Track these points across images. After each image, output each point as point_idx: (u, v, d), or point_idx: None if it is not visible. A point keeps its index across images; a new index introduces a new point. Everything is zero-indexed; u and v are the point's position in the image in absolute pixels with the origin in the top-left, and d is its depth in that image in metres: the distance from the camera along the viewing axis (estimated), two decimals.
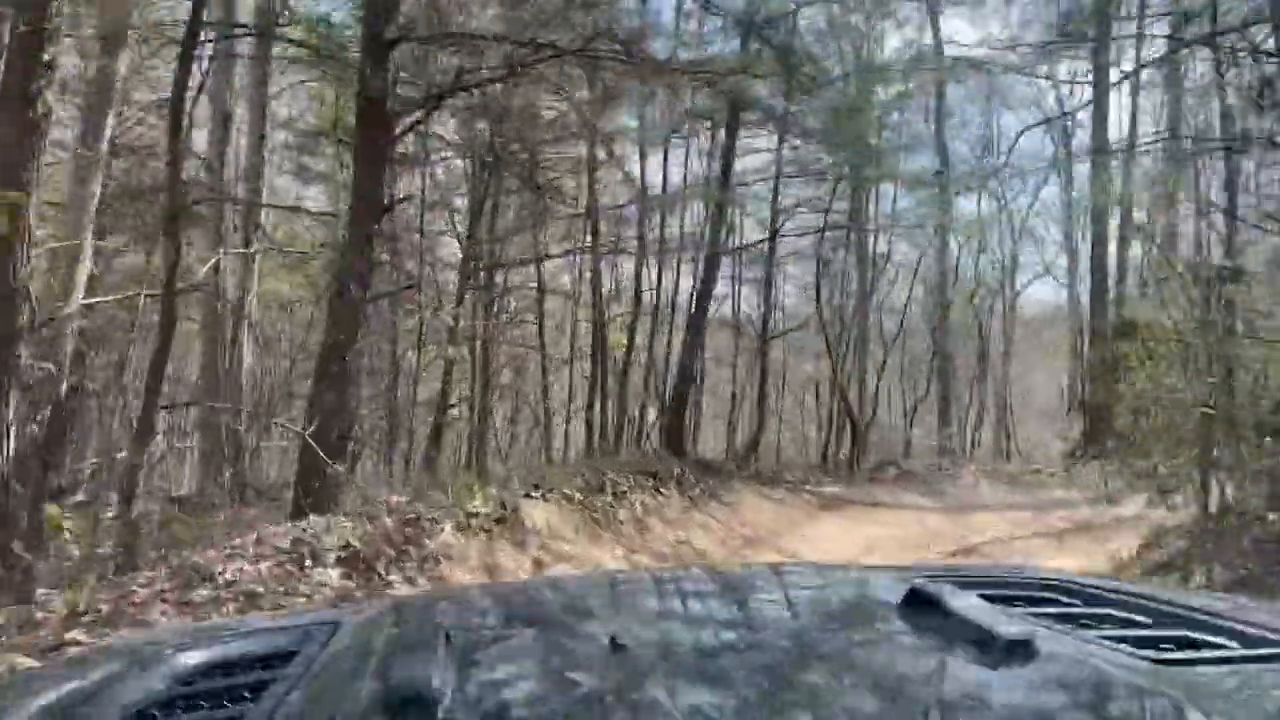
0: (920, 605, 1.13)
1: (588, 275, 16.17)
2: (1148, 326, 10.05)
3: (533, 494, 8.95)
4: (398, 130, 9.25)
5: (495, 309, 15.25)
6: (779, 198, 18.59)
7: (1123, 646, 1.00)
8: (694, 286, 16.97)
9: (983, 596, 1.15)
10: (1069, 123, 23.41)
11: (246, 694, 1.01)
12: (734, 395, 19.51)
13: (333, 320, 8.65)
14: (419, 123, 10.50)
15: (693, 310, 16.81)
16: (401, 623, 1.18)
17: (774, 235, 18.60)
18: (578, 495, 9.56)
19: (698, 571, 1.57)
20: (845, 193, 20.00)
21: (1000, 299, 25.94)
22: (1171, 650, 1.01)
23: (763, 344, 18.81)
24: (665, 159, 17.23)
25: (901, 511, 14.45)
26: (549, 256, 16.13)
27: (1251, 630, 1.06)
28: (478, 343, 13.80)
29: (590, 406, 15.21)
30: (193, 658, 1.17)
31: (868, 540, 11.22)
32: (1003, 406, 25.38)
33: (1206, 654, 1.01)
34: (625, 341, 16.16)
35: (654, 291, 17.07)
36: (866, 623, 1.18)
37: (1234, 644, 1.03)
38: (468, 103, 11.60)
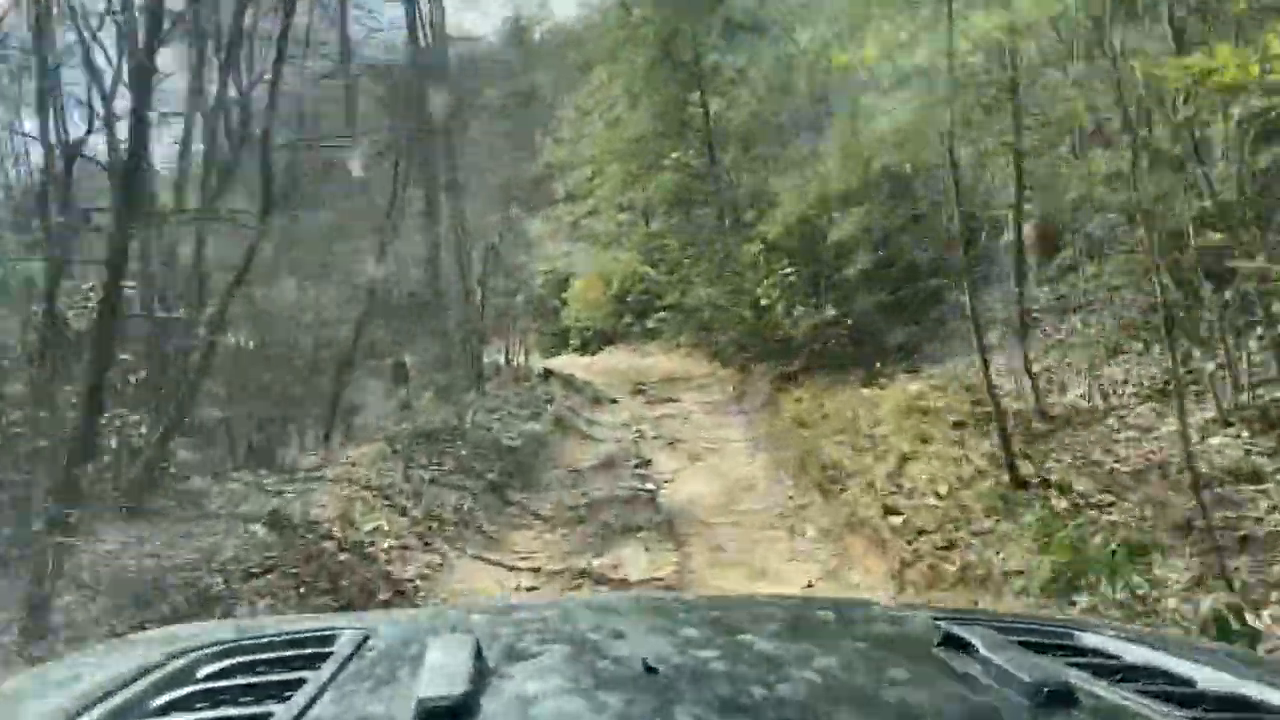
0: (954, 648, 1.11)
1: None
2: None
3: None
4: None
5: None
6: None
7: (1164, 704, 0.97)
8: None
9: (1020, 643, 1.12)
10: None
11: (275, 694, 1.00)
12: None
13: None
14: None
15: None
16: (434, 633, 1.17)
17: None
18: None
19: (735, 600, 1.62)
20: None
21: None
22: (1213, 710, 0.98)
23: None
24: None
25: None
26: None
27: None
28: None
29: None
30: (222, 654, 1.17)
31: None
32: None
33: (1250, 716, 0.98)
34: None
35: None
36: (899, 663, 1.15)
37: (1278, 706, 1.00)
38: None
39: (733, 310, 16.32)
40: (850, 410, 10.63)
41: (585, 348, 24.25)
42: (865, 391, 11.18)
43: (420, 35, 17.80)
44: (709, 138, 19.37)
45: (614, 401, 16.79)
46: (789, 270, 15.01)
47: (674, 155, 20.16)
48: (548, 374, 18.78)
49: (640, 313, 22.73)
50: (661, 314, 20.88)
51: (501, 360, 19.33)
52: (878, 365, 12.11)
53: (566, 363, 21.62)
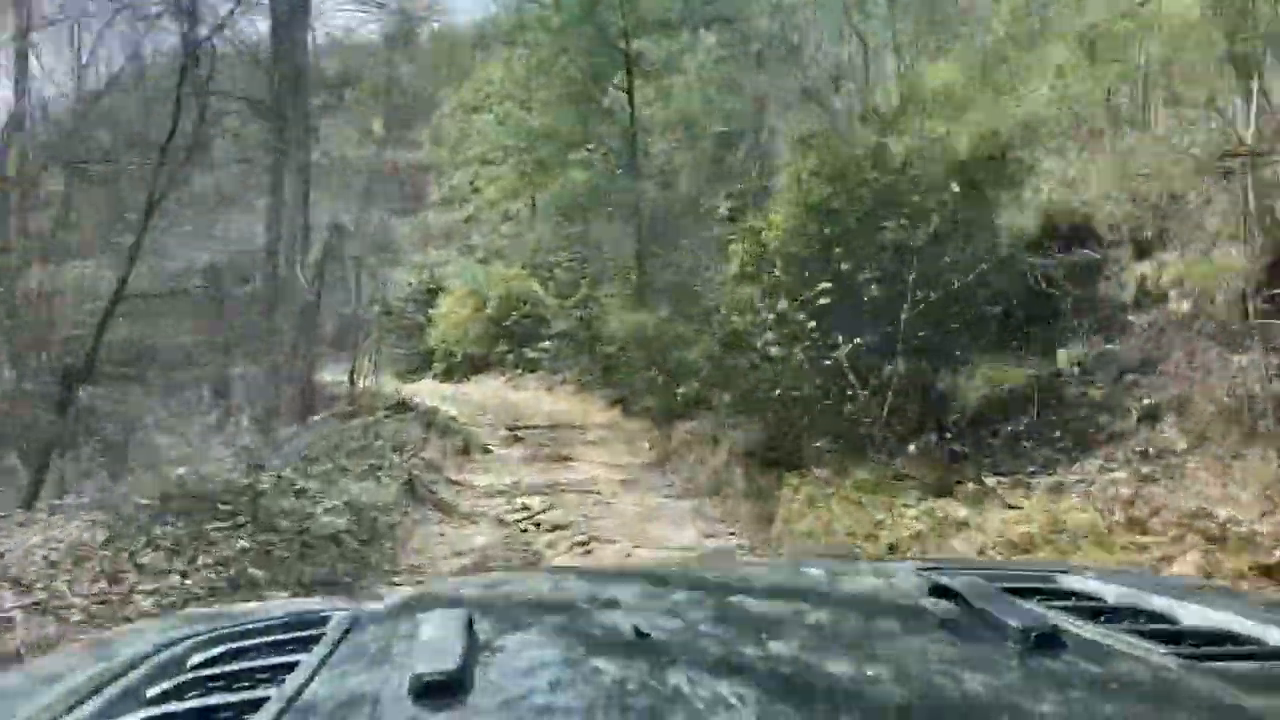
0: (944, 599, 1.13)
1: None
2: None
3: None
4: None
5: None
6: None
7: (1150, 642, 1.00)
8: None
9: (1005, 590, 1.16)
10: None
11: (268, 677, 0.99)
12: None
13: None
14: None
15: None
16: (426, 609, 1.14)
17: None
18: None
19: (722, 565, 1.78)
20: None
21: None
22: (1199, 645, 1.01)
23: None
24: None
25: None
26: None
27: (1278, 626, 1.05)
28: None
29: None
30: (213, 641, 1.17)
31: None
32: None
33: (1234, 649, 1.01)
34: None
35: None
36: (889, 616, 1.17)
37: (1261, 640, 1.02)
38: None
39: (697, 343, 11.38)
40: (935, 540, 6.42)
41: (450, 374, 20.50)
42: (959, 510, 6.81)
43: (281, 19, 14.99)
44: (633, 130, 15.71)
45: (486, 451, 12.60)
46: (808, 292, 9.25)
47: (587, 149, 16.42)
48: (403, 405, 14.39)
49: (522, 339, 19.07)
50: (546, 343, 17.15)
51: (346, 381, 14.90)
52: (961, 453, 7.75)
53: (427, 391, 18.22)
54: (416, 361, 21.65)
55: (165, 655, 1.11)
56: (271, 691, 0.93)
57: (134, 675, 1.05)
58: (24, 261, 10.97)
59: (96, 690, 1.00)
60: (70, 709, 0.97)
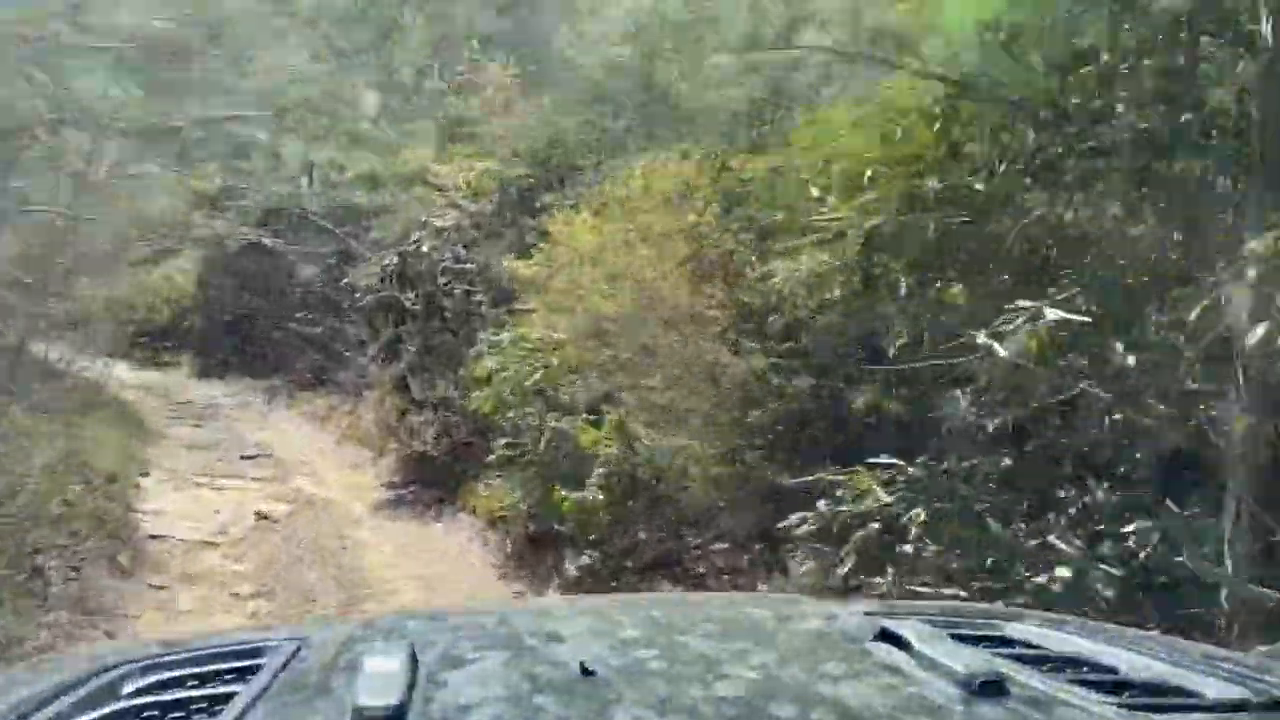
0: (889, 642, 1.14)
1: None
2: None
3: None
4: None
5: None
6: None
7: (1092, 692, 1.01)
8: None
9: (952, 635, 1.17)
10: None
11: (205, 708, 0.99)
12: None
13: None
14: None
15: None
16: (368, 641, 1.15)
17: None
18: None
19: (671, 600, 1.80)
20: None
21: None
22: (1140, 696, 1.02)
23: None
24: None
25: None
26: None
27: (1221, 679, 1.07)
28: None
29: None
30: (147, 670, 1.14)
31: None
32: None
33: (1174, 701, 1.02)
34: None
35: None
36: (835, 659, 1.18)
37: (1203, 693, 1.03)
38: None
39: None
40: None
41: None
42: None
43: None
44: None
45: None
46: None
47: None
48: None
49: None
50: None
51: None
52: None
53: None
54: None
55: (96, 683, 1.09)
56: None
57: (63, 703, 1.02)
58: None
59: (22, 718, 0.98)
60: None
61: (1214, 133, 4.35)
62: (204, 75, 13.77)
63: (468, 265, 10.72)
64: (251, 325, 16.94)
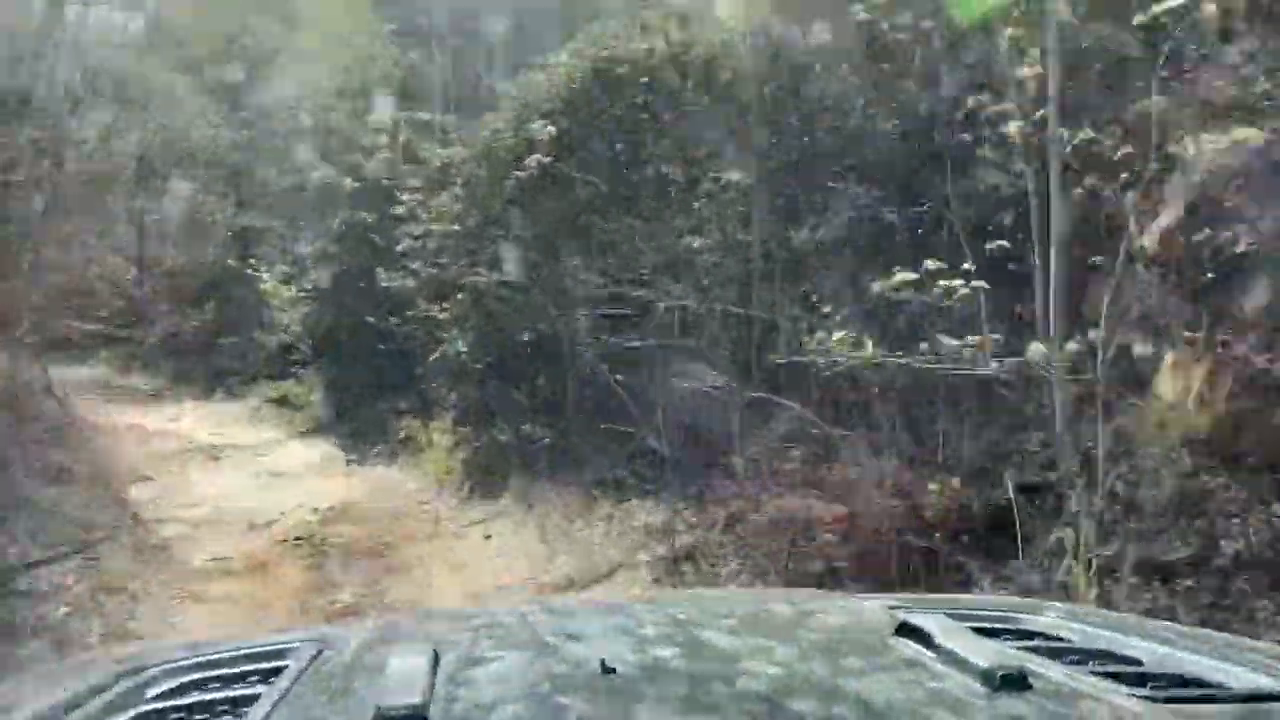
0: (910, 636, 1.14)
1: None
2: None
3: None
4: None
5: None
6: None
7: (1115, 684, 1.01)
8: None
9: (973, 629, 1.16)
10: None
11: (229, 710, 1.00)
12: None
13: None
14: None
15: None
16: (389, 642, 1.16)
17: None
18: None
19: (691, 597, 1.75)
20: None
21: None
22: (1164, 687, 1.02)
23: None
24: None
25: None
26: None
27: (1244, 669, 1.06)
28: None
29: None
30: (173, 673, 1.16)
31: None
32: None
33: (1197, 692, 1.02)
34: None
35: None
36: (857, 653, 1.18)
37: (1226, 684, 1.03)
38: None
39: None
40: None
41: None
42: None
43: None
44: None
45: None
46: None
47: None
48: None
49: None
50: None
51: None
52: None
53: None
54: None
55: (124, 686, 1.09)
56: None
57: (92, 706, 1.03)
58: None
59: (67, 715, 0.99)
60: None
61: None
62: None
63: None
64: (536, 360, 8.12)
